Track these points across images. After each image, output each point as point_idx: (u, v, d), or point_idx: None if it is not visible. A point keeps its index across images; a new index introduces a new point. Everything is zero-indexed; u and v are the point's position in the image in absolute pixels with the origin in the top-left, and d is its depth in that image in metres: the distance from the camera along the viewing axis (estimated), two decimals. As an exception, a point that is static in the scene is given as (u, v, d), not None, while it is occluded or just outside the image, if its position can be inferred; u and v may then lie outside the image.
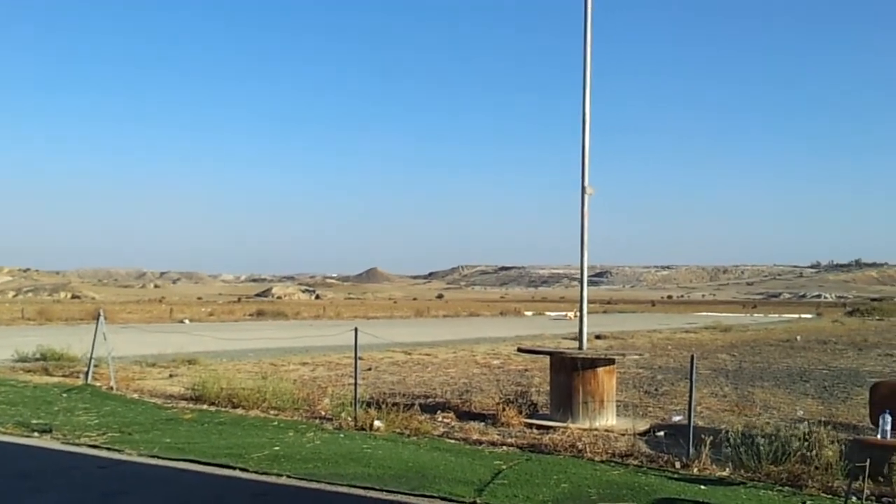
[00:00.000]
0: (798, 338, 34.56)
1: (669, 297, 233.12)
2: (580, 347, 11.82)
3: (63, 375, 15.87)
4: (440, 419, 11.34)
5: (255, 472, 7.82)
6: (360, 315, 58.79)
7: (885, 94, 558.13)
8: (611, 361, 11.40)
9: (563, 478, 7.73)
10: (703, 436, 8.56)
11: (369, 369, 18.23)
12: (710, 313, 76.89)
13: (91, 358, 15.07)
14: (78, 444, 9.26)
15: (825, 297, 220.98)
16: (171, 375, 16.52)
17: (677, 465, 8.43)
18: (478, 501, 6.83)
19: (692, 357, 9.30)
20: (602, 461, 8.62)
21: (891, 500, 7.13)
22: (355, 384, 11.30)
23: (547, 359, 12.19)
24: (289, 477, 7.66)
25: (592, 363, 11.10)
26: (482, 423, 11.05)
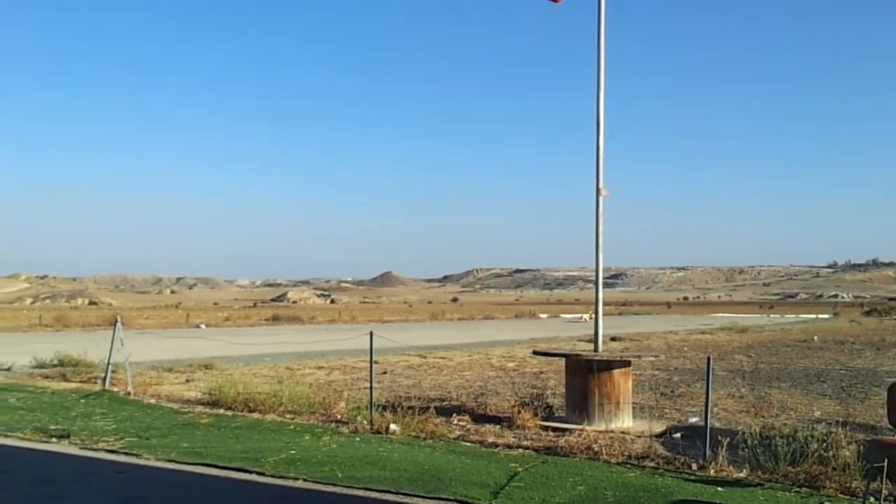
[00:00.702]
0: (815, 338, 34.35)
1: (685, 298, 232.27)
2: (595, 349, 11.79)
3: (81, 381, 15.96)
4: (456, 422, 11.33)
5: (272, 476, 7.85)
6: (376, 319, 58.86)
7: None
8: (626, 363, 11.36)
9: (579, 480, 7.72)
10: (719, 437, 8.53)
11: (385, 373, 18.24)
12: (726, 314, 76.49)
13: (108, 363, 15.16)
14: (96, 450, 9.31)
15: (842, 297, 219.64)
16: (187, 380, 16.59)
17: (694, 466, 8.40)
18: (494, 504, 6.84)
19: (708, 358, 9.27)
20: (618, 463, 8.60)
21: (910, 500, 7.09)
22: (371, 388, 11.32)
23: (562, 361, 12.17)
24: (305, 480, 7.68)
25: (608, 365, 11.08)
26: (498, 426, 11.04)
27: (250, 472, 8.00)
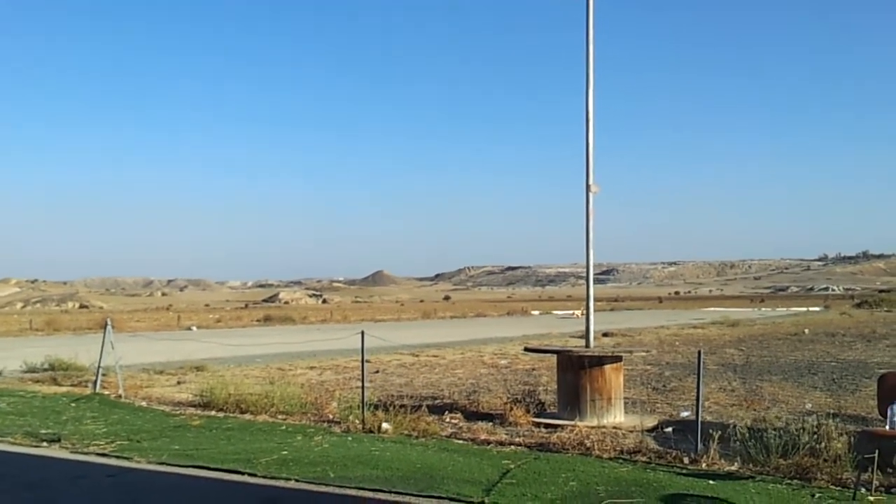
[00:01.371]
0: (806, 331, 34.48)
1: (676, 293, 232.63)
2: (587, 345, 11.81)
3: (71, 385, 15.89)
4: (448, 420, 11.33)
5: (264, 477, 7.83)
6: (367, 318, 58.81)
7: (891, 85, 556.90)
8: (618, 359, 11.38)
9: (571, 476, 7.72)
10: (711, 431, 8.55)
11: (377, 372, 18.24)
12: (717, 308, 76.74)
13: (99, 367, 15.11)
14: (87, 453, 9.27)
15: (833, 290, 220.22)
16: (178, 382, 16.54)
17: (686, 460, 8.41)
18: (486, 501, 6.84)
19: (699, 352, 9.29)
20: (610, 458, 8.61)
21: (901, 490, 7.11)
22: (363, 387, 11.31)
23: (554, 358, 12.18)
24: (297, 481, 7.66)
25: (600, 361, 11.09)
26: (490, 423, 11.04)
27: (242, 474, 7.98)
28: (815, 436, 7.97)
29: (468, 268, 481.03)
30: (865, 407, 11.97)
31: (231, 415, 12.04)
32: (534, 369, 18.75)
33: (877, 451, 7.07)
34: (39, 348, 23.79)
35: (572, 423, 10.51)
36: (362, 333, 11.87)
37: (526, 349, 14.53)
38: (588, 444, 9.09)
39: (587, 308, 11.82)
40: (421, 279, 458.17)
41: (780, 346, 26.07)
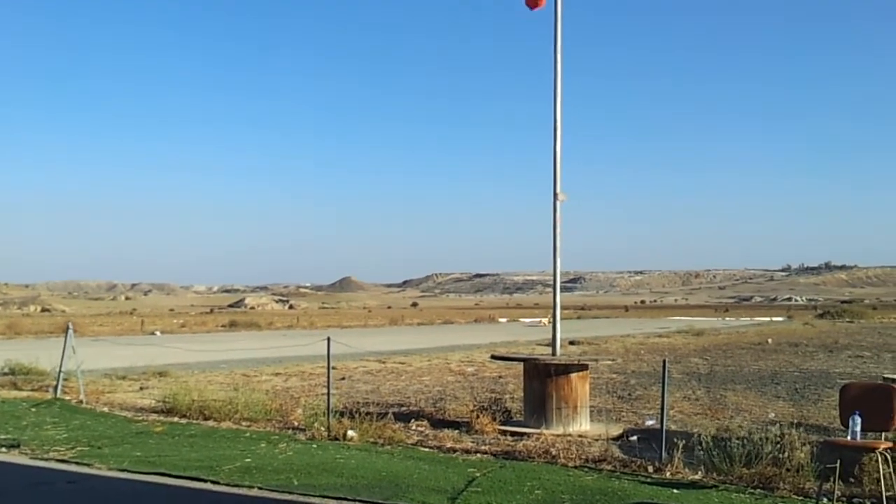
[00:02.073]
0: (769, 341, 34.87)
1: (642, 301, 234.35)
2: (554, 353, 11.84)
3: (32, 389, 15.65)
4: (414, 427, 11.30)
5: (227, 485, 7.74)
6: (335, 324, 58.58)
7: (855, 95, 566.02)
8: (584, 367, 11.42)
9: (536, 484, 7.72)
10: (675, 440, 8.59)
11: (343, 379, 18.16)
12: (682, 318, 77.31)
13: (60, 371, 14.87)
14: (46, 459, 9.12)
15: (796, 300, 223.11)
16: (141, 388, 16.35)
17: (650, 469, 8.45)
18: (451, 510, 6.81)
19: (664, 361, 9.34)
20: (576, 467, 8.63)
21: (861, 500, 7.20)
22: (328, 394, 11.24)
23: (521, 365, 12.19)
24: (260, 489, 7.59)
25: (566, 369, 11.12)
26: (456, 431, 11.01)
27: (205, 481, 7.88)
28: (779, 445, 8.04)
29: (436, 274, 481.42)
30: (828, 417, 12.10)
31: (194, 421, 11.91)
32: (501, 377, 18.77)
33: (839, 461, 7.14)
34: (-1, 352, 23.40)
35: (538, 431, 10.53)
36: (328, 340, 11.80)
37: (493, 357, 14.53)
38: (554, 453, 9.10)
39: (554, 316, 11.86)
40: (389, 285, 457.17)
41: (743, 356, 26.32)
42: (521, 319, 73.60)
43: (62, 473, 8.45)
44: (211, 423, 11.74)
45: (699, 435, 8.74)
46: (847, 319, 65.63)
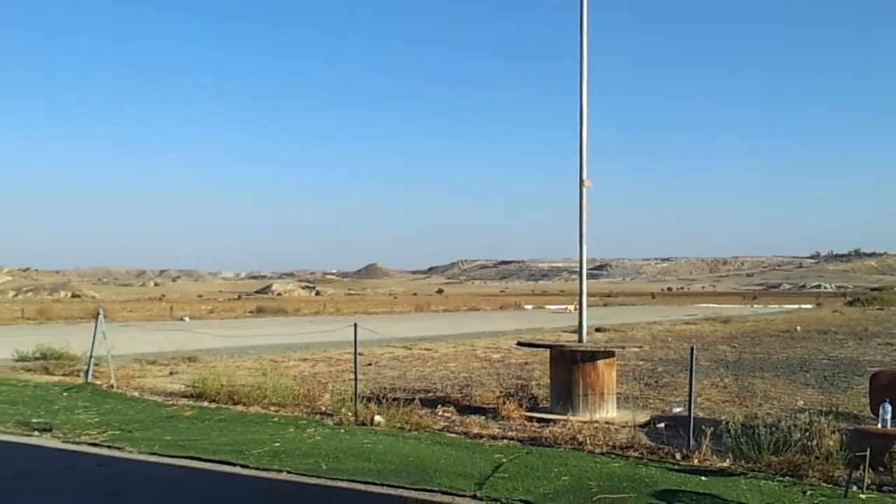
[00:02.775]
0: (798, 328, 34.57)
1: (669, 289, 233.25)
2: (580, 340, 11.81)
3: (63, 374, 15.85)
4: (441, 413, 11.33)
5: (256, 469, 7.82)
6: (360, 311, 58.84)
7: (884, 84, 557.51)
8: (611, 354, 11.38)
9: (563, 470, 7.72)
10: (703, 427, 8.55)
11: (370, 364, 18.23)
12: (709, 305, 76.90)
13: (91, 356, 15.06)
14: (78, 443, 9.25)
15: (825, 288, 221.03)
16: (171, 373, 16.52)
17: (678, 456, 8.42)
18: (478, 495, 6.83)
19: (692, 348, 9.30)
20: (602, 453, 8.62)
21: (891, 488, 7.13)
22: (355, 379, 11.29)
23: (547, 352, 12.17)
24: (289, 473, 7.65)
25: (592, 356, 11.10)
26: (483, 417, 11.04)
27: (234, 465, 7.96)
28: (807, 433, 7.98)
29: (461, 261, 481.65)
30: (857, 405, 11.98)
31: (223, 406, 12.02)
32: (527, 363, 18.76)
33: (868, 450, 7.08)
34: (31, 337, 23.73)
35: (565, 417, 10.51)
36: (355, 326, 11.85)
37: (519, 343, 14.52)
38: (580, 439, 9.09)
39: (580, 303, 11.82)
40: (414, 272, 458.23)
41: (772, 343, 26.12)
42: (547, 306, 73.50)
43: (93, 457, 8.57)
44: (240, 407, 11.85)
45: (727, 422, 8.69)
46: (877, 307, 64.84)
